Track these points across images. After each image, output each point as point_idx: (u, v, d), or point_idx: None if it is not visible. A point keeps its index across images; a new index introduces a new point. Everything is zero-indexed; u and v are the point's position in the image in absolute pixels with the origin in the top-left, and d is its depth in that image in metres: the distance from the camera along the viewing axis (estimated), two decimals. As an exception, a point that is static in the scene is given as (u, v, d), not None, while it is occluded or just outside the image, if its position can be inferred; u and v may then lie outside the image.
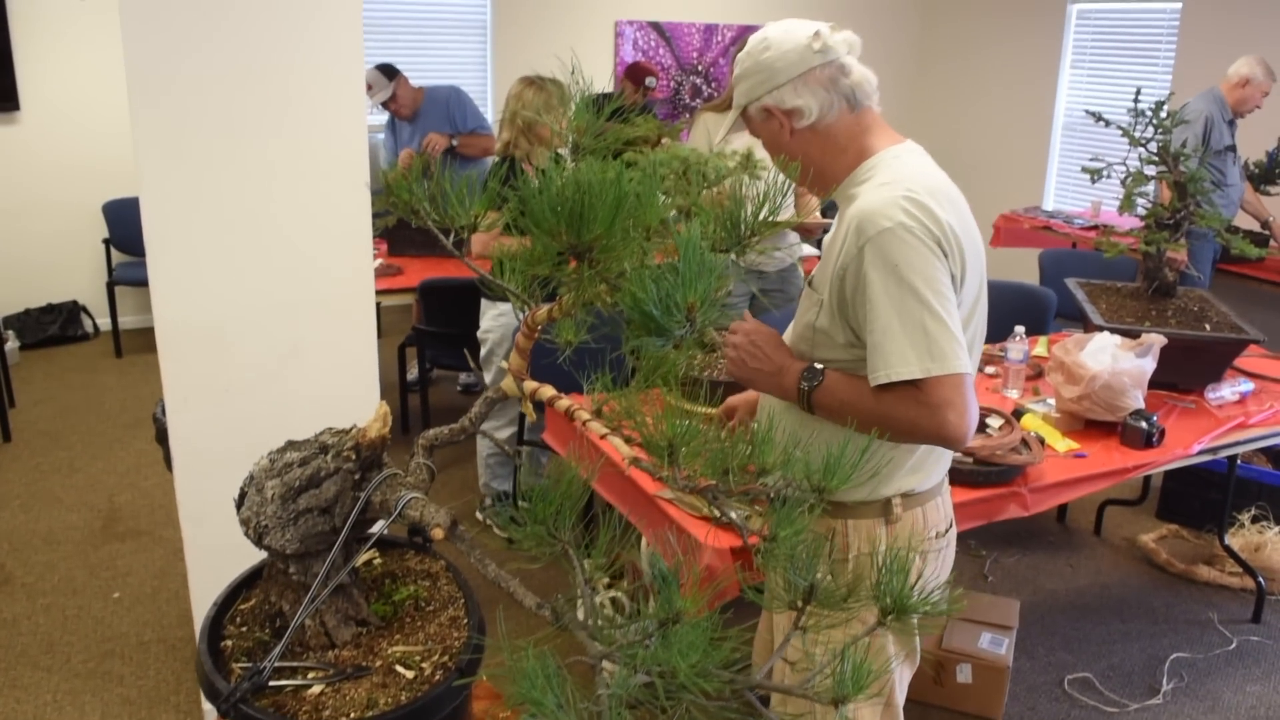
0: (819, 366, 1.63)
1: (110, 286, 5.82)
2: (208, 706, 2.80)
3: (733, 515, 1.18)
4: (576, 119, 1.07)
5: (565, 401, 1.27)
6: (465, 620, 1.53)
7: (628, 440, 1.18)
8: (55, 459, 4.43)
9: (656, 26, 7.26)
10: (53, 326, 5.92)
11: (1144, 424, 2.63)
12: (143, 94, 2.24)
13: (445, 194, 1.18)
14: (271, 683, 1.39)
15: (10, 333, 5.70)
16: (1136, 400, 2.69)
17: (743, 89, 1.70)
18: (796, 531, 1.08)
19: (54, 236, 5.91)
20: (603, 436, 1.19)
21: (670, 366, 1.31)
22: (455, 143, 4.85)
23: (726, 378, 1.89)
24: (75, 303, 6.04)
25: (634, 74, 6.15)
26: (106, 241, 5.94)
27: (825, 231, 2.44)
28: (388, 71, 4.91)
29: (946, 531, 1.80)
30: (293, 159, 2.39)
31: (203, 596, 2.41)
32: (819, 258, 1.81)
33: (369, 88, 4.88)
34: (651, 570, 0.99)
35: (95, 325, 6.14)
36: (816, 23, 1.66)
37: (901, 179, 1.58)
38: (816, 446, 1.13)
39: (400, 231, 4.66)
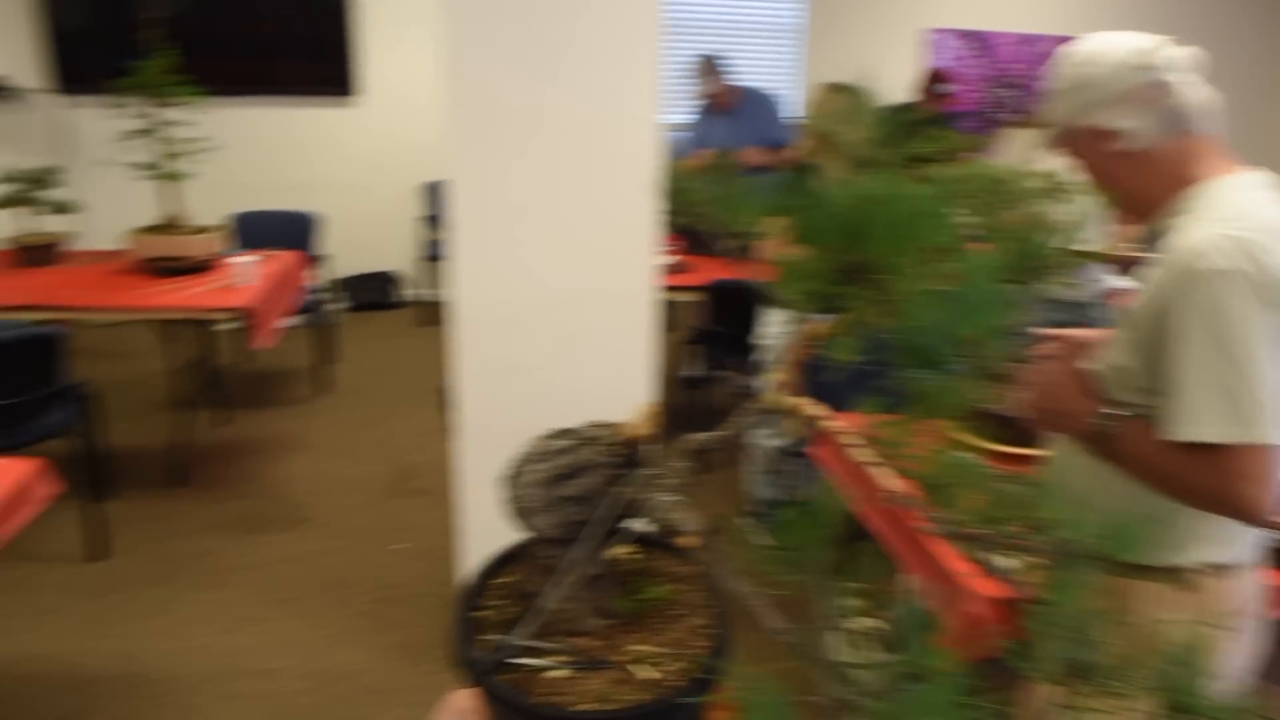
0: (1114, 412, 1.49)
1: (425, 261, 6.33)
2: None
3: (1003, 566, 1.08)
4: (865, 130, 1.01)
5: (832, 423, 1.22)
6: (711, 630, 1.51)
7: (898, 472, 1.11)
8: (363, 414, 4.87)
9: (971, 35, 6.94)
10: (373, 292, 6.51)
11: None
12: (457, 89, 2.40)
13: (726, 198, 1.15)
14: (514, 660, 1.44)
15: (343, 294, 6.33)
16: None
17: (1058, 106, 1.57)
18: (1074, 599, 0.97)
19: (381, 210, 6.50)
20: (868, 465, 1.13)
21: (954, 397, 1.22)
22: (766, 159, 4.89)
23: (1015, 412, 1.77)
24: (392, 273, 6.61)
25: (928, 81, 5.90)
26: (427, 218, 6.47)
27: (1136, 264, 2.22)
28: (715, 64, 5.12)
29: (1248, 614, 1.59)
30: (588, 155, 2.48)
31: (469, 562, 2.54)
32: (1127, 291, 1.65)
33: (699, 75, 5.10)
34: (900, 614, 0.92)
35: (408, 295, 6.69)
36: (1143, 35, 1.50)
37: (1229, 215, 1.39)
38: (1107, 506, 1.01)
39: (698, 230, 4.73)
